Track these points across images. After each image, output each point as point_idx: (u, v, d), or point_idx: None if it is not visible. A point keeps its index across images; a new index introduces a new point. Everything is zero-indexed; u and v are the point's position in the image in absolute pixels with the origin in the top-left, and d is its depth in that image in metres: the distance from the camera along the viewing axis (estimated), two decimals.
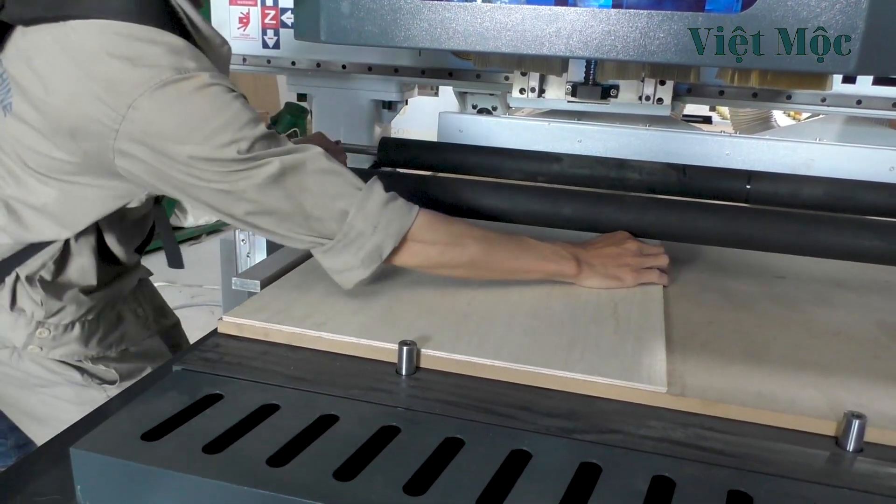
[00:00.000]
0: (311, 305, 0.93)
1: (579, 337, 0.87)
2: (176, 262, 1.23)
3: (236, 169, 0.84)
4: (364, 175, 0.96)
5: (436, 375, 0.80)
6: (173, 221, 4.46)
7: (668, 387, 0.76)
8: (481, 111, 1.81)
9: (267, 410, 0.71)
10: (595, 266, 1.03)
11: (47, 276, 1.04)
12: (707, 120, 3.17)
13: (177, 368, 0.78)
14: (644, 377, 0.78)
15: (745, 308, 1.01)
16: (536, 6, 0.95)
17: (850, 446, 0.69)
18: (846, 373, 0.83)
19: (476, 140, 1.62)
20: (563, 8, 0.94)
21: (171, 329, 1.34)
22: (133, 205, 1.01)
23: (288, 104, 6.90)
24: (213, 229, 4.66)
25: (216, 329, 0.88)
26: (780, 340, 0.91)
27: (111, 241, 1.10)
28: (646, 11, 0.89)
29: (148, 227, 1.19)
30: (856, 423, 0.69)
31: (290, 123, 6.64)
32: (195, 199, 0.89)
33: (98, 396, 1.09)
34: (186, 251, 4.22)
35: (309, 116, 6.99)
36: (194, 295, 3.57)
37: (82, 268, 1.07)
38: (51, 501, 0.63)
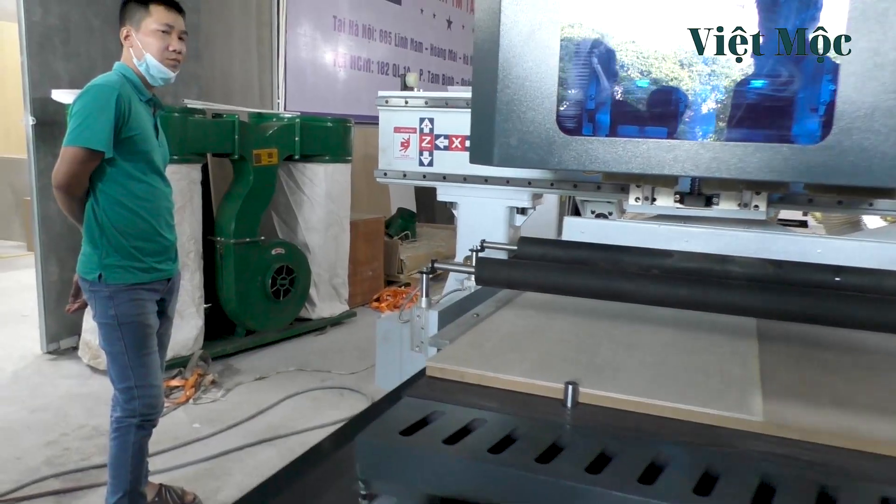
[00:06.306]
0: (484, 356, 1.24)
1: (692, 383, 1.14)
2: None
3: None
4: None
5: (592, 409, 1.08)
6: (302, 314, 4.91)
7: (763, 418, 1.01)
8: (599, 216, 2.14)
9: (475, 424, 1.01)
10: None
11: None
12: (803, 224, 3.36)
13: (406, 397, 1.10)
14: (738, 408, 1.03)
15: (834, 373, 1.25)
16: (658, 140, 1.28)
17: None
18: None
19: (595, 240, 1.93)
20: (679, 141, 1.26)
21: None
22: None
23: (399, 209, 7.51)
24: (337, 321, 5.11)
25: (423, 370, 1.20)
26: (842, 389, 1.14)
27: None
28: (742, 143, 1.20)
29: None
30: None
31: (401, 227, 7.20)
32: None
33: None
34: (312, 341, 4.70)
35: (415, 220, 7.52)
36: (324, 379, 3.95)
37: None
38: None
